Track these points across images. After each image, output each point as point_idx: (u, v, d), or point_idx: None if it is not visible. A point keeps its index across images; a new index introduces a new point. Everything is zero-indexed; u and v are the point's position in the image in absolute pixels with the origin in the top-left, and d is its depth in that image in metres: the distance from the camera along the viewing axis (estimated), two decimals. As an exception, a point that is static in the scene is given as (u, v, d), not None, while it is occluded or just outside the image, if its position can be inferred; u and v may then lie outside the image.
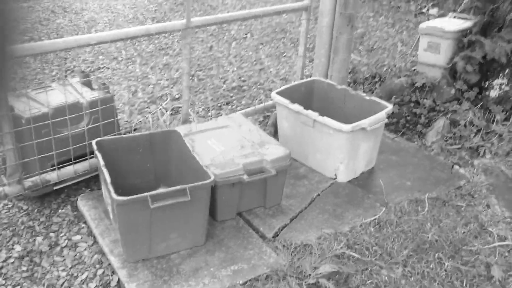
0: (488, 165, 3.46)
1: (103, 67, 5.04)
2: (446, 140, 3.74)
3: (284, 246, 2.57)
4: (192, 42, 5.95)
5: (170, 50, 5.64)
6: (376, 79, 4.68)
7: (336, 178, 3.17)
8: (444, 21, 4.47)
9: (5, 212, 2.82)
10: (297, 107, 3.17)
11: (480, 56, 3.96)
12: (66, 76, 4.76)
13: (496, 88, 3.97)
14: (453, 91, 4.19)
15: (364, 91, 4.53)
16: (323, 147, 3.13)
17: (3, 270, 2.42)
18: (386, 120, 3.14)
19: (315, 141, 3.16)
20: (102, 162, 2.46)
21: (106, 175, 2.36)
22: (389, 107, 3.16)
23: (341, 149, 3.04)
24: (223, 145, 2.83)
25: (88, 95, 2.84)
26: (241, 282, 2.33)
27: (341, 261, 2.50)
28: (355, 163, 3.16)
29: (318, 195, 3.04)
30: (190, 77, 4.96)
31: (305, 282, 2.35)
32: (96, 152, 2.54)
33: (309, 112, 3.10)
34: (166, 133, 2.85)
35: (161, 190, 2.33)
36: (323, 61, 3.91)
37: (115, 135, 2.98)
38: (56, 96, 2.75)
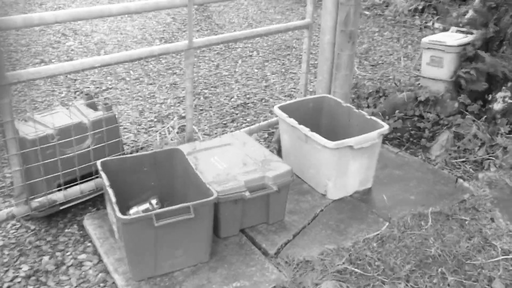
0: (492, 178, 3.45)
1: (111, 88, 5.14)
2: (450, 154, 3.75)
3: (286, 262, 2.59)
4: (198, 61, 6.04)
5: (177, 69, 5.73)
6: (380, 94, 4.71)
7: (326, 194, 3.18)
8: (446, 36, 4.50)
9: (13, 232, 2.88)
10: (292, 121, 3.21)
11: (480, 71, 3.99)
12: (75, 97, 4.87)
13: (500, 101, 3.97)
14: (456, 105, 4.20)
15: (368, 106, 4.55)
16: (315, 163, 3.16)
17: (10, 290, 2.47)
18: (377, 141, 3.09)
19: (308, 156, 3.19)
20: (107, 182, 2.51)
21: (111, 195, 2.41)
22: (384, 127, 3.11)
23: (328, 166, 3.07)
24: (226, 163, 2.87)
25: (91, 116, 2.91)
26: (243, 299, 2.35)
27: (343, 277, 2.51)
28: (345, 181, 3.15)
29: (322, 210, 3.06)
30: (196, 96, 5.05)
31: (307, 298, 2.36)
32: (101, 173, 2.60)
33: (301, 126, 3.14)
34: (169, 152, 2.91)
35: (165, 208, 2.37)
36: (326, 78, 3.96)
37: (119, 154, 3.04)
38: (61, 118, 2.82)
